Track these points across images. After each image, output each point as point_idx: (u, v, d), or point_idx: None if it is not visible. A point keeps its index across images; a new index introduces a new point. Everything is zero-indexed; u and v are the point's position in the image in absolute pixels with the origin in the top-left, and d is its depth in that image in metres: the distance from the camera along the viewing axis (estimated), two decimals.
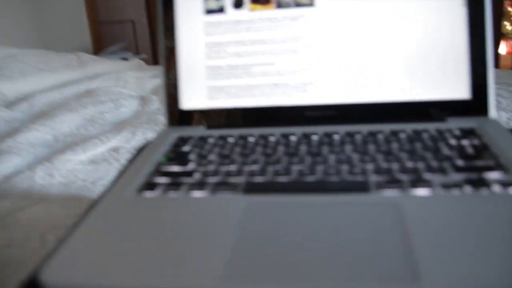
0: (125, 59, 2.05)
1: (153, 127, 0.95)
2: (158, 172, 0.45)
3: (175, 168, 0.46)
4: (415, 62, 0.53)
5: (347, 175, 0.41)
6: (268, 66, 0.54)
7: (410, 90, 0.53)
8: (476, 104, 0.52)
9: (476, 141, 0.46)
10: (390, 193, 0.38)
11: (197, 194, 0.41)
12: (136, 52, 2.76)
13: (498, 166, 0.41)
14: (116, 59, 1.93)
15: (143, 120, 0.98)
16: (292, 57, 0.54)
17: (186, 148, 0.50)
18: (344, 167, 0.43)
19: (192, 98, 0.56)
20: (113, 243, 0.35)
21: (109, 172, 0.75)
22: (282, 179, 0.42)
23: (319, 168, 0.43)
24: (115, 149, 0.84)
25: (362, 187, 0.39)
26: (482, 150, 0.44)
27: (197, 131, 0.54)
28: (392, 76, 0.53)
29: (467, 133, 0.48)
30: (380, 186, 0.39)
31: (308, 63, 0.54)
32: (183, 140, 0.52)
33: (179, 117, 0.56)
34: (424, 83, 0.52)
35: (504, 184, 0.38)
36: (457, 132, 0.48)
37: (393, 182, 0.39)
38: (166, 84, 0.56)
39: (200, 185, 0.42)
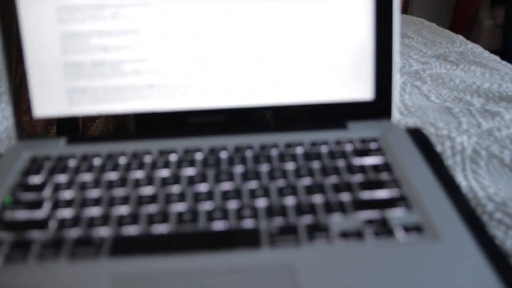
0: None
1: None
2: (1, 223, 0.36)
3: (23, 215, 0.36)
4: (314, 59, 0.46)
5: (235, 220, 0.35)
6: (141, 62, 0.45)
7: (308, 91, 0.46)
8: (379, 105, 0.47)
9: (378, 159, 0.42)
10: (284, 249, 0.33)
11: (51, 262, 0.32)
12: None
13: (401, 200, 0.37)
14: None
15: None
16: (170, 51, 0.45)
17: (38, 178, 0.40)
18: (232, 206, 0.36)
19: (47, 103, 0.45)
20: None
21: None
22: (158, 228, 0.35)
23: (202, 209, 0.36)
24: None
25: (252, 241, 0.33)
26: (384, 171, 0.40)
27: (55, 147, 0.44)
28: (286, 75, 0.46)
29: (369, 145, 0.43)
30: (273, 238, 0.33)
31: (189, 58, 0.45)
32: (35, 164, 0.42)
33: (31, 127, 0.45)
34: (324, 82, 0.46)
35: (407, 228, 0.34)
36: (358, 145, 0.44)
37: (288, 232, 0.34)
38: (11, 85, 0.44)
39: (55, 246, 0.33)
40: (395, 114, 0.47)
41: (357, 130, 0.46)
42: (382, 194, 0.38)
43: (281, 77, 0.46)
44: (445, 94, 0.82)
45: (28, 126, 0.45)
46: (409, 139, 0.45)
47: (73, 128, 0.45)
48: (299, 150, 0.43)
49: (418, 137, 0.48)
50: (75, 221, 0.35)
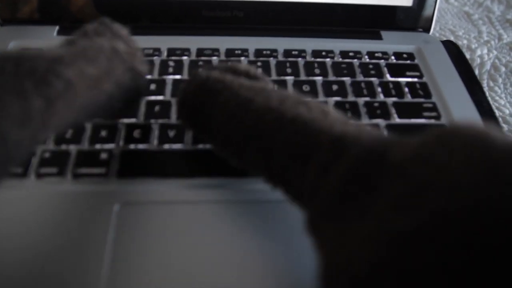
0: None
1: None
2: None
3: None
4: None
5: None
6: None
7: None
8: (417, 14, 0.41)
9: (415, 79, 0.37)
10: None
11: (50, 183, 0.28)
12: None
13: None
14: None
15: None
16: None
17: None
18: None
19: None
20: None
21: None
22: (174, 145, 0.30)
23: None
24: None
25: None
26: (421, 95, 0.36)
27: (48, 37, 0.37)
28: None
29: (405, 61, 0.39)
30: None
31: None
32: None
33: (18, 9, 0.38)
34: None
35: None
36: (393, 60, 0.39)
37: None
38: None
39: (55, 163, 0.29)
40: (433, 26, 0.42)
41: (391, 41, 0.41)
42: (419, 122, 0.34)
43: None
44: None
45: (15, 7, 0.38)
46: (448, 57, 0.40)
47: (66, 15, 0.38)
48: (328, 60, 0.38)
49: (453, 51, 0.43)
50: (76, 132, 0.30)
